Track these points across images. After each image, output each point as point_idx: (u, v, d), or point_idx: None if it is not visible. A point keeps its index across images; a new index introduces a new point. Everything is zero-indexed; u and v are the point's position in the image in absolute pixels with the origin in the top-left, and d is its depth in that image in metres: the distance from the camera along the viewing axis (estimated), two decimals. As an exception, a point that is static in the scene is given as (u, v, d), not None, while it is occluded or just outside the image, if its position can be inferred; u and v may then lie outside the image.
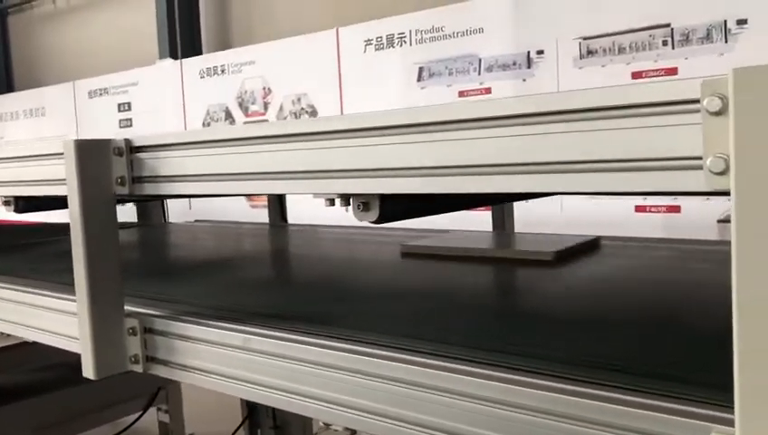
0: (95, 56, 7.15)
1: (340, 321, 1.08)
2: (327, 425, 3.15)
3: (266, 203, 3.04)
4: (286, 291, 1.51)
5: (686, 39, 3.46)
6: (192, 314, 1.15)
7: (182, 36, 6.19)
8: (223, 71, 5.51)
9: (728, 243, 0.55)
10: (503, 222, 2.11)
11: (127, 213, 2.84)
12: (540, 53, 3.93)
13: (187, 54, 6.03)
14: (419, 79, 4.43)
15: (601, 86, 3.58)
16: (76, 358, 1.16)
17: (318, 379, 0.92)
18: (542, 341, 0.94)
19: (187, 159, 1.05)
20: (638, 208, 3.63)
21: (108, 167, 1.13)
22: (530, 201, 1.61)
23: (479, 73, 4.18)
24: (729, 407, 0.59)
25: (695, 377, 0.74)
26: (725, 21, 3.34)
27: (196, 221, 3.39)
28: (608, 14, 3.66)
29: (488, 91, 4.15)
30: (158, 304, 1.25)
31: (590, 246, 1.71)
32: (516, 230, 2.16)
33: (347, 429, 2.89)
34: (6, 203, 1.48)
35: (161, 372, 1.14)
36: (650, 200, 3.56)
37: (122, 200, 1.25)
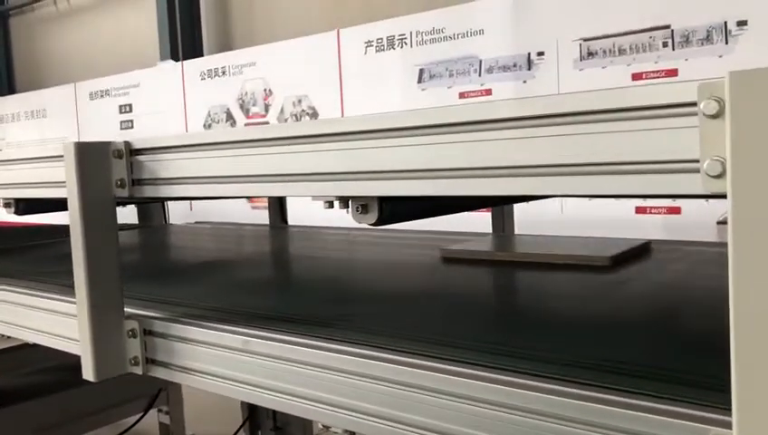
0: (96, 58, 7.16)
1: (372, 327, 1.03)
2: (327, 427, 3.15)
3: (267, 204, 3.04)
4: (286, 292, 1.51)
5: (687, 40, 3.46)
6: (192, 316, 1.15)
7: (183, 38, 6.20)
8: (224, 72, 5.51)
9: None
10: (503, 223, 2.10)
11: (128, 214, 2.84)
12: (540, 54, 3.93)
13: (187, 56, 6.04)
14: (420, 80, 4.43)
15: (601, 88, 3.58)
16: (76, 360, 1.16)
17: (318, 381, 0.92)
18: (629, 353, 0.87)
19: (187, 161, 1.06)
20: (639, 210, 3.62)
21: (108, 169, 1.13)
22: (530, 202, 1.59)
23: (479, 75, 4.18)
24: (726, 408, 0.59)
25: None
26: (726, 22, 3.33)
27: (196, 223, 3.40)
28: (608, 15, 3.66)
29: (489, 92, 4.15)
30: (159, 305, 1.25)
31: (642, 250, 1.65)
32: (516, 231, 2.16)
33: (347, 431, 2.89)
34: (7, 205, 1.48)
35: (161, 374, 1.14)
36: (650, 202, 3.56)
37: (122, 202, 1.25)
